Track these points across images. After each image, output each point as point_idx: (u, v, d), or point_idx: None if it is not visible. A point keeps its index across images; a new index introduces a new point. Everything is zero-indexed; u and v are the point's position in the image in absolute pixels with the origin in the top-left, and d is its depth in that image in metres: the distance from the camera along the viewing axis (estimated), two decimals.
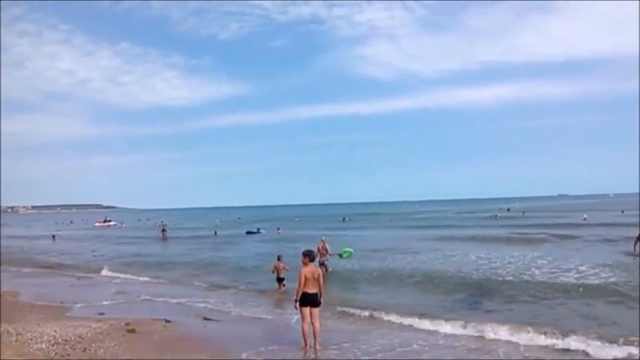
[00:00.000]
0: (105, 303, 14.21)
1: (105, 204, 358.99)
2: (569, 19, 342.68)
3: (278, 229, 47.36)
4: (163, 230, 47.98)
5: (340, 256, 18.98)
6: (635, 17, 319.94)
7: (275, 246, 31.17)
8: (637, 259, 18.30)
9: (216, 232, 48.32)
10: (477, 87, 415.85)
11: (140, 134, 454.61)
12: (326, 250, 18.41)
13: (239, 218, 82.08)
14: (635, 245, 19.62)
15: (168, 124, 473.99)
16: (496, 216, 63.55)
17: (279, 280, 15.31)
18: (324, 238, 19.49)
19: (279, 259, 15.61)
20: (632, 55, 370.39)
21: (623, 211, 62.21)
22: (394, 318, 11.48)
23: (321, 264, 17.90)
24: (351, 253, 19.43)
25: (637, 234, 20.02)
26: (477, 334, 9.92)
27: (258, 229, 49.96)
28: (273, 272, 15.58)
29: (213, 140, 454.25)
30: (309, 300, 8.55)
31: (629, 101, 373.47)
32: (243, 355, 8.50)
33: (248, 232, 47.26)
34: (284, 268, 15.36)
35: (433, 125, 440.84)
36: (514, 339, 9.42)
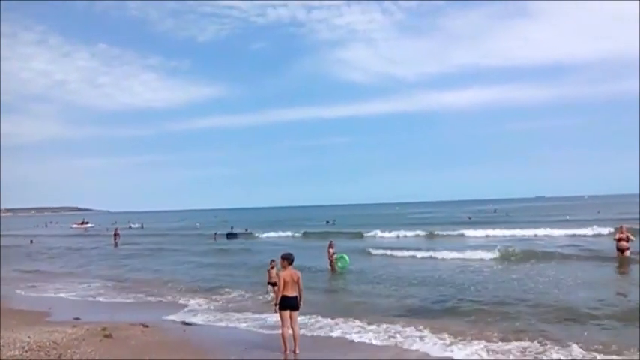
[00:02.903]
0: (81, 308, 13.98)
1: (81, 207, 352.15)
2: (545, 23, 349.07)
3: (246, 229, 47.84)
4: (115, 234, 42.56)
5: (337, 262, 19.81)
6: (612, 22, 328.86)
7: (246, 251, 30.96)
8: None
9: (216, 233, 47.79)
10: (456, 90, 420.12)
11: (118, 136, 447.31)
12: (333, 253, 20.00)
13: (226, 221, 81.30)
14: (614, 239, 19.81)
15: (147, 126, 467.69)
16: (470, 218, 64.63)
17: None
18: (331, 240, 21.18)
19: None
20: (607, 60, 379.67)
21: (598, 212, 64.60)
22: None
23: (331, 264, 19.88)
24: (346, 261, 19.87)
25: (616, 236, 19.94)
26: None
27: (232, 228, 50.54)
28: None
29: (194, 143, 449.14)
30: (288, 304, 8.53)
31: (604, 105, 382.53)
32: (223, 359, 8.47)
33: (229, 234, 47.09)
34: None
35: (412, 128, 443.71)
36: None
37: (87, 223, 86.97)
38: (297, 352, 8.64)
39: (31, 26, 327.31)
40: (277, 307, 8.57)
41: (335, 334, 10.25)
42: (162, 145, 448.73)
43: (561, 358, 8.08)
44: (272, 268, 15.02)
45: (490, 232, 36.31)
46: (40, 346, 8.74)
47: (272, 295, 14.85)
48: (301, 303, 8.73)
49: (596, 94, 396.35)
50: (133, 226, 77.66)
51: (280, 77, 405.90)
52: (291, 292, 8.53)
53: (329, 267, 20.00)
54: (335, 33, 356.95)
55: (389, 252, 25.86)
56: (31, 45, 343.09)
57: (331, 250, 20.24)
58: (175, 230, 61.67)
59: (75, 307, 14.04)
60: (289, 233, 46.74)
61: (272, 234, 46.82)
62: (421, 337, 9.52)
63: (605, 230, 30.22)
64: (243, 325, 11.55)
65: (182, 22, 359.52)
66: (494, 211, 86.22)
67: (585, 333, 9.52)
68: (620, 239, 19.27)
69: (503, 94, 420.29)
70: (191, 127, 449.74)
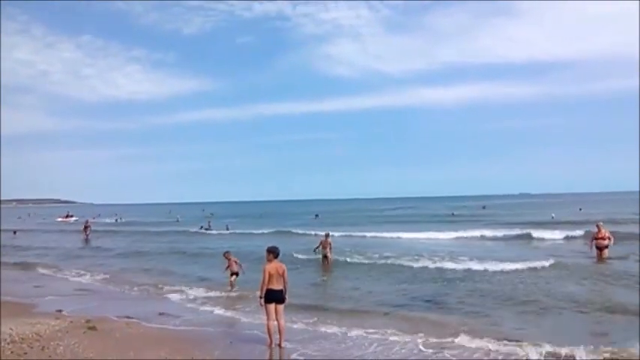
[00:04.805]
0: (64, 300, 13.85)
1: (63, 199, 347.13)
2: (530, 22, 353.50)
3: (227, 226, 46.75)
4: (86, 227, 39.21)
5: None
6: (593, 22, 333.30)
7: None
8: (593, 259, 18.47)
9: (203, 227, 46.98)
10: (441, 87, 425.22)
11: (102, 128, 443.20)
12: (329, 245, 19.91)
13: (211, 214, 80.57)
14: (590, 246, 19.38)
15: (131, 118, 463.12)
16: (453, 214, 65.28)
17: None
18: (328, 233, 20.83)
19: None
20: (590, 59, 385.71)
21: (580, 209, 65.51)
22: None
23: (324, 256, 19.71)
24: None
25: (592, 235, 19.64)
26: None
27: (209, 223, 49.45)
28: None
29: (178, 136, 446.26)
30: (274, 297, 8.57)
31: (586, 104, 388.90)
32: (209, 353, 8.47)
33: (204, 228, 46.54)
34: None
35: (398, 124, 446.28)
36: None
37: (71, 216, 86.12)
38: (283, 345, 8.68)
39: (13, 15, 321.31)
40: (262, 300, 8.61)
41: (323, 328, 10.27)
42: (147, 138, 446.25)
43: None
44: (229, 260, 15.16)
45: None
46: (22, 339, 8.67)
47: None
48: (286, 296, 8.79)
49: (578, 93, 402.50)
50: (108, 220, 75.68)
51: (266, 71, 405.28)
52: (276, 286, 8.57)
53: (322, 260, 19.79)
54: (321, 28, 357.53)
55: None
56: (14, 34, 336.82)
57: (329, 240, 20.02)
58: (154, 225, 58.93)
59: (58, 300, 13.88)
60: (270, 230, 42.50)
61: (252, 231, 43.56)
62: None
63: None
64: (228, 318, 11.58)
65: (167, 15, 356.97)
66: (484, 207, 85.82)
67: None
68: (600, 238, 18.88)
69: (488, 92, 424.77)
70: (176, 120, 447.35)
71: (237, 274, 15.08)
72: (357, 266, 19.31)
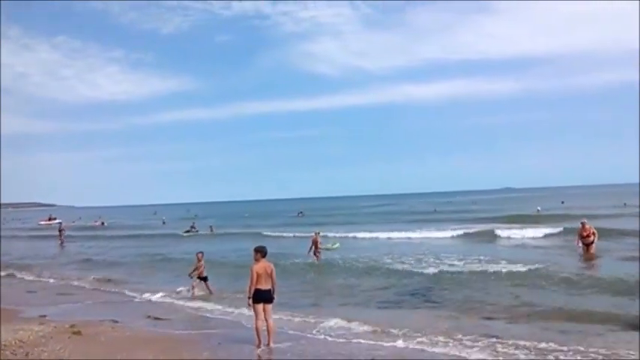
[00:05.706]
0: (47, 306, 13.60)
1: (44, 202, 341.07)
2: (508, 19, 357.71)
3: (211, 227, 46.09)
4: (60, 231, 37.88)
5: (327, 249, 21.31)
6: (571, 18, 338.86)
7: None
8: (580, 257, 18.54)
9: (192, 228, 46.17)
10: (422, 84, 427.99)
11: (82, 129, 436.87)
12: (316, 243, 20.08)
13: (196, 215, 79.58)
14: (577, 243, 19.16)
15: (112, 119, 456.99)
16: (435, 210, 65.85)
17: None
18: (317, 231, 21.41)
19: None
20: (568, 55, 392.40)
21: (562, 202, 66.83)
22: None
23: (314, 254, 19.95)
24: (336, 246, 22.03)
25: (577, 232, 19.44)
26: None
27: (194, 224, 48.54)
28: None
29: (160, 136, 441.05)
30: (262, 296, 8.50)
31: (568, 99, 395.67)
32: (197, 355, 8.39)
33: (192, 229, 45.72)
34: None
35: (380, 121, 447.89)
36: None
37: (54, 218, 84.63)
38: (272, 345, 8.63)
39: None
40: (250, 300, 8.54)
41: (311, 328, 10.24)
42: (128, 138, 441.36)
43: None
44: (200, 260, 14.69)
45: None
46: (5, 345, 8.48)
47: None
48: (275, 296, 8.73)
49: (560, 88, 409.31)
50: (90, 223, 72.82)
51: (247, 70, 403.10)
52: (264, 285, 8.50)
53: (313, 258, 19.76)
54: (300, 26, 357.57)
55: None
56: None
57: (318, 239, 20.22)
58: (139, 228, 56.01)
59: (40, 306, 13.63)
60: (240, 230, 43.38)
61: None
62: None
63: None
64: (215, 319, 11.50)
65: (145, 15, 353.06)
66: (474, 202, 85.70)
67: None
68: (585, 236, 18.78)
69: (470, 88, 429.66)
70: (157, 120, 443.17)
71: (206, 278, 14.74)
72: (338, 267, 18.94)
